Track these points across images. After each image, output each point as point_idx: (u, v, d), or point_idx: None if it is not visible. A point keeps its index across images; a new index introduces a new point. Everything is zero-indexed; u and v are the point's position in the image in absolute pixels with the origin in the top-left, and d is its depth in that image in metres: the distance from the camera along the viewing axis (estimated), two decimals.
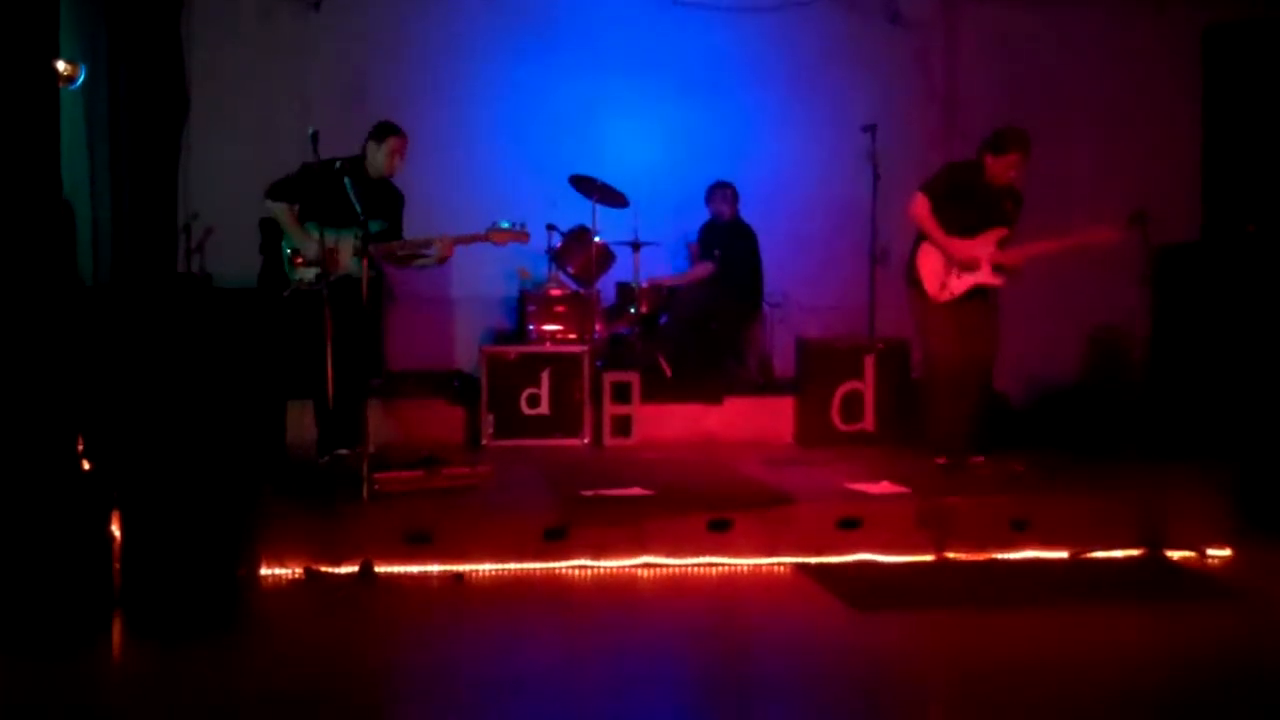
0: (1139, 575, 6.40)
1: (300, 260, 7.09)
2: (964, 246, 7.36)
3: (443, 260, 7.36)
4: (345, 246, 7.07)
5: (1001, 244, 7.41)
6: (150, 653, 5.22)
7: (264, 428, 7.45)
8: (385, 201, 7.28)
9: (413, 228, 7.45)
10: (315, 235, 6.89)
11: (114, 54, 8.35)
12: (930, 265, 7.45)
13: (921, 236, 7.48)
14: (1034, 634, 5.47)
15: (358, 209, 6.67)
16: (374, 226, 6.87)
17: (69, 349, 5.94)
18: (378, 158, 7.29)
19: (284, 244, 7.20)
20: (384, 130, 7.32)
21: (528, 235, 7.46)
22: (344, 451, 6.96)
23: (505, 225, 7.33)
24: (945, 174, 7.60)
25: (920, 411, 7.82)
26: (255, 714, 4.58)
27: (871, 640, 5.43)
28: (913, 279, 7.53)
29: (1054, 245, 7.36)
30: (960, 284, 7.41)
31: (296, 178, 7.05)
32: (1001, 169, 7.35)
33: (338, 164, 6.91)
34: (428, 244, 7.29)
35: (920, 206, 7.40)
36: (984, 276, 7.38)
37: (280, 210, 7.15)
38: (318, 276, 6.87)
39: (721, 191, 9.55)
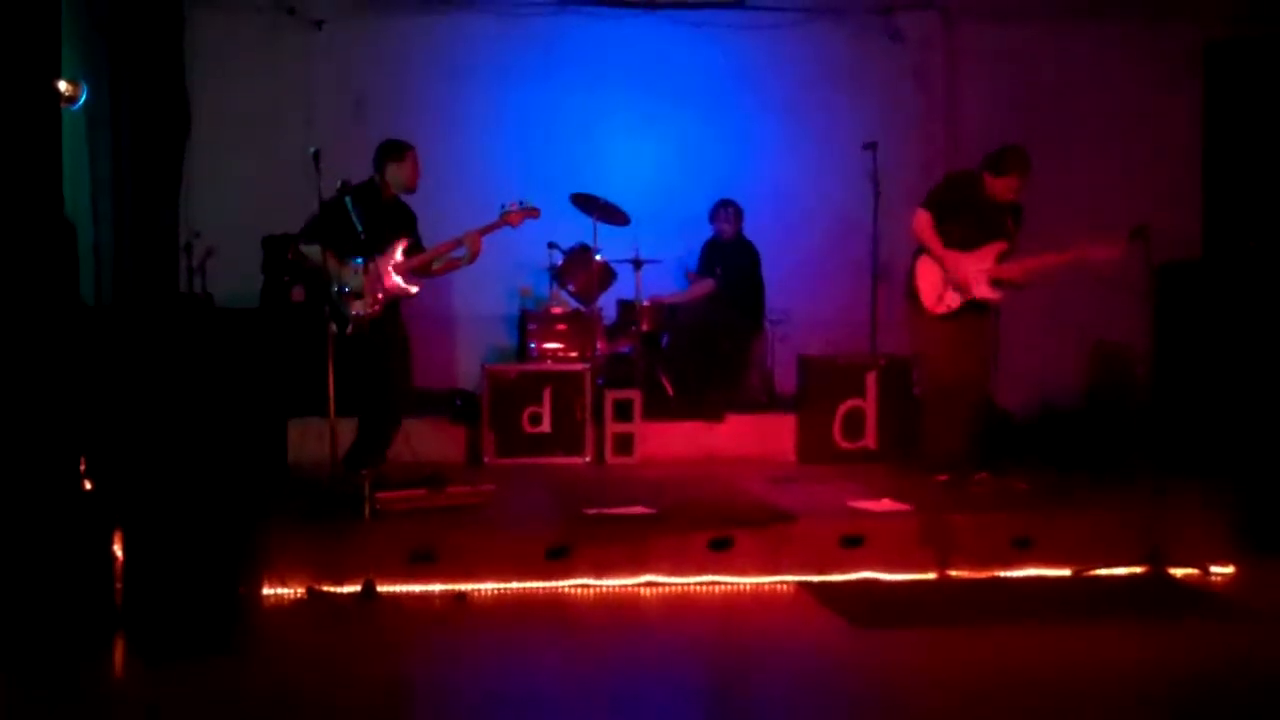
0: (1142, 593, 6.39)
1: (350, 297, 7.01)
2: (960, 264, 7.36)
3: (475, 257, 7.29)
4: (386, 266, 7.11)
5: (1001, 258, 7.42)
6: (152, 672, 5.21)
7: (266, 447, 7.44)
8: (398, 220, 7.28)
9: None
10: (358, 265, 6.94)
11: (116, 73, 8.36)
12: (928, 277, 7.47)
13: (920, 249, 7.50)
14: (1036, 652, 5.46)
15: (359, 228, 6.77)
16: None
17: (71, 369, 5.93)
18: (401, 174, 7.24)
19: (331, 285, 7.00)
20: (401, 147, 7.26)
21: (538, 211, 7.50)
22: (366, 471, 6.91)
23: (513, 206, 7.40)
24: (945, 187, 7.64)
25: (919, 428, 7.83)
26: None
27: (874, 658, 5.42)
28: (910, 291, 7.56)
29: (1054, 260, 7.35)
30: (956, 297, 7.42)
31: (321, 216, 6.85)
32: (1000, 189, 7.37)
33: (339, 184, 6.91)
34: (458, 244, 7.27)
35: (922, 221, 7.43)
36: (982, 291, 7.39)
37: (316, 252, 6.98)
38: (369, 305, 6.97)
39: (725, 210, 9.55)
